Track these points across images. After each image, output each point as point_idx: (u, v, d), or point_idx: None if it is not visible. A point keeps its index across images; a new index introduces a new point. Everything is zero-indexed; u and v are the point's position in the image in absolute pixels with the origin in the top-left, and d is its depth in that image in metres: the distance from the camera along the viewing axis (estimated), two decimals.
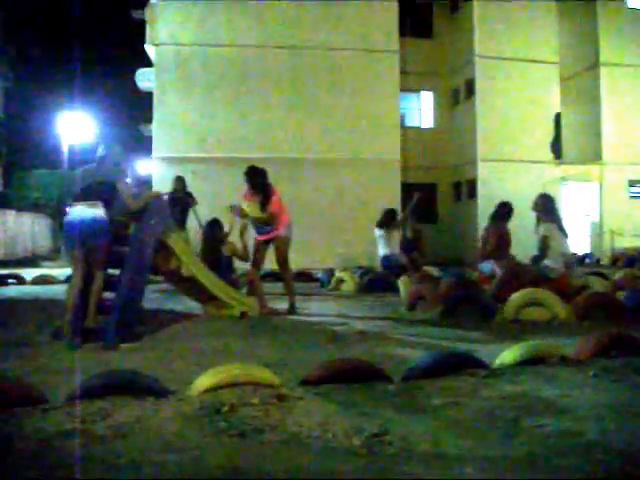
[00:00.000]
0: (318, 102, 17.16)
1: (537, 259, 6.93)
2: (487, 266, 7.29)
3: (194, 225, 10.20)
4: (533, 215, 7.13)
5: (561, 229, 6.95)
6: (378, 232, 10.48)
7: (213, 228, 8.48)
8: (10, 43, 30.36)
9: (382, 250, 10.39)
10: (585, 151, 20.04)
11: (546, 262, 6.76)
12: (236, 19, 17.18)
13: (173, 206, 9.16)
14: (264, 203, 6.72)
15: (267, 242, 7.00)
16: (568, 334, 5.12)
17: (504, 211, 7.51)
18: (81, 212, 5.08)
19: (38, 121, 31.90)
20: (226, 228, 8.28)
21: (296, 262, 7.36)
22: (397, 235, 10.65)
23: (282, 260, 7.00)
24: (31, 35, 34.89)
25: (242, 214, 6.93)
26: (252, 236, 7.20)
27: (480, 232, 9.16)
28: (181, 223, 9.49)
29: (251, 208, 6.80)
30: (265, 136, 16.83)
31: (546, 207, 7.01)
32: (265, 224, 6.85)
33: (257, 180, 6.81)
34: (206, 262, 6.83)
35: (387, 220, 10.44)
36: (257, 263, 7.05)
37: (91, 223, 5.03)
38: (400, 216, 10.89)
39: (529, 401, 2.95)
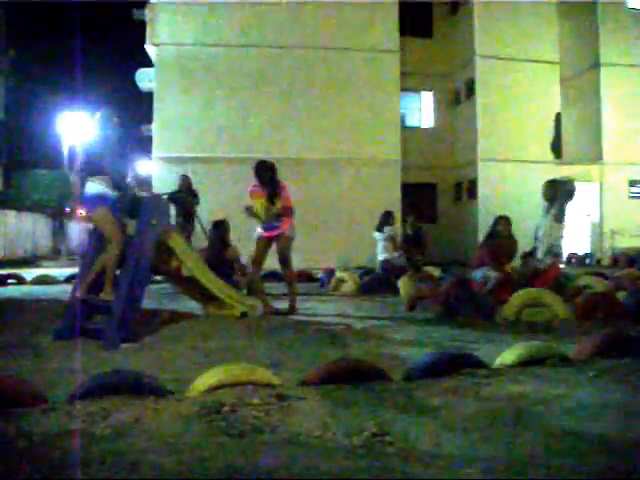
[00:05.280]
0: (318, 102, 17.16)
1: (526, 255, 6.96)
2: (479, 273, 7.22)
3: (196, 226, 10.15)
4: (530, 214, 7.12)
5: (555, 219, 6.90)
6: (377, 236, 10.53)
7: (218, 229, 8.37)
8: (11, 43, 30.36)
9: (381, 254, 10.41)
10: (585, 151, 20.04)
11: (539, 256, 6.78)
12: (236, 19, 17.18)
13: (175, 206, 9.11)
14: (272, 197, 6.77)
15: (269, 241, 7.00)
16: (568, 334, 5.12)
17: (492, 228, 7.51)
18: None
19: (38, 121, 31.94)
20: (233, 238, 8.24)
21: (296, 262, 7.36)
22: (396, 238, 10.66)
23: (284, 259, 7.00)
24: (31, 35, 34.91)
25: (253, 214, 6.92)
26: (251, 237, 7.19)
27: (480, 232, 9.16)
28: (183, 223, 9.42)
29: (262, 205, 6.83)
30: (265, 136, 16.82)
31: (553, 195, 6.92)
32: (276, 219, 6.85)
33: (266, 174, 6.86)
34: (210, 263, 6.79)
35: (382, 222, 10.51)
36: (258, 261, 7.05)
37: None
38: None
39: (529, 401, 2.94)
